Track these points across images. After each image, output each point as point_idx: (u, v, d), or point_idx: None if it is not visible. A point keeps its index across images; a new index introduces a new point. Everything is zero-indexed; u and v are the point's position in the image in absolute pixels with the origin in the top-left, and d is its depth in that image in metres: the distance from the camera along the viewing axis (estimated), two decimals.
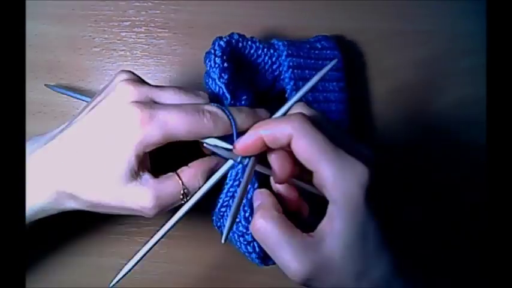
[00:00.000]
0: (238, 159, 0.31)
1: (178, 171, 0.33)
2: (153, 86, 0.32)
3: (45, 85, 0.43)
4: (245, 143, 0.30)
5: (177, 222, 0.31)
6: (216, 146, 0.31)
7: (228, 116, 0.31)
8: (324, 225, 0.27)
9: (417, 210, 0.47)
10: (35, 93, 0.44)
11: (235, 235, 0.35)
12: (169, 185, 0.32)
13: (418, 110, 0.47)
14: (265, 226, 0.28)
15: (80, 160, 0.30)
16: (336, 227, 0.26)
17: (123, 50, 0.46)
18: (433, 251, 0.47)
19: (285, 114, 0.31)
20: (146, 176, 0.31)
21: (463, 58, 0.48)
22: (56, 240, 0.43)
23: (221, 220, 0.37)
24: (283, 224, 0.28)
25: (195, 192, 0.32)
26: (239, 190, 0.28)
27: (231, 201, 0.35)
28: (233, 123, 0.31)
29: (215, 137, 0.32)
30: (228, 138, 0.32)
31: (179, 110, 0.30)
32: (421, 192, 0.47)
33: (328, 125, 0.29)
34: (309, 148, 0.26)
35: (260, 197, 0.31)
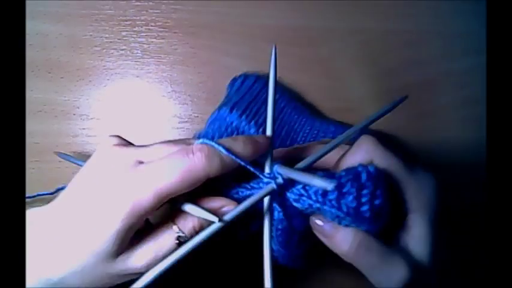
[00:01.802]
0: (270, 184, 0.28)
1: (176, 218, 0.28)
2: (139, 146, 0.29)
3: (54, 152, 0.42)
4: None
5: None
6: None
7: (221, 150, 0.27)
8: (404, 234, 0.29)
9: None
10: (36, 92, 0.44)
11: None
12: (164, 236, 0.28)
13: (417, 109, 0.47)
14: (365, 245, 0.28)
15: (63, 241, 0.26)
16: (416, 233, 0.29)
17: (123, 49, 0.46)
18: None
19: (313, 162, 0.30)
20: (141, 237, 0.28)
21: (462, 58, 0.48)
22: None
23: None
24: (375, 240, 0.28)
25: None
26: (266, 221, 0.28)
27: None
28: (226, 152, 0.27)
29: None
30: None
31: (166, 159, 0.26)
32: None
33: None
34: (388, 168, 0.28)
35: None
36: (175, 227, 0.28)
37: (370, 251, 0.27)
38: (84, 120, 0.45)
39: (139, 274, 0.27)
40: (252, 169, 0.28)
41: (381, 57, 0.47)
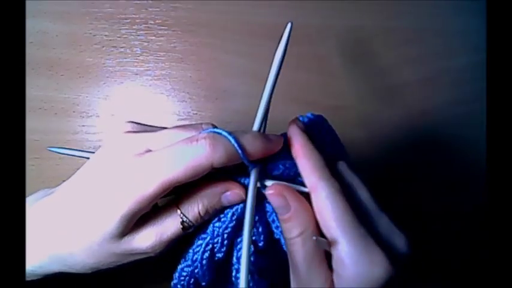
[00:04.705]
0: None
1: (180, 202, 0.29)
2: (151, 132, 0.29)
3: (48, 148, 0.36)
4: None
5: None
6: None
7: (229, 139, 0.26)
8: None
9: (416, 209, 0.47)
10: (36, 89, 0.45)
11: None
12: (169, 219, 0.28)
13: (416, 107, 0.47)
14: (299, 243, 0.26)
15: (72, 219, 0.27)
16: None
17: (123, 47, 0.46)
18: (432, 250, 0.47)
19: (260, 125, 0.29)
20: (145, 219, 0.28)
21: (460, 56, 0.48)
22: None
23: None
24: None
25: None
26: (248, 207, 0.25)
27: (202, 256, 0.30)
28: (234, 141, 0.26)
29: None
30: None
31: (170, 148, 0.26)
32: (420, 190, 0.47)
33: (364, 195, 0.28)
34: (328, 214, 0.25)
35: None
36: (179, 212, 0.28)
37: (301, 252, 0.25)
38: (83, 118, 0.45)
39: (145, 254, 0.28)
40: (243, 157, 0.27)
41: (378, 55, 0.47)
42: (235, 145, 0.26)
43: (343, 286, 0.24)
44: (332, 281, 0.25)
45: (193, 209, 0.28)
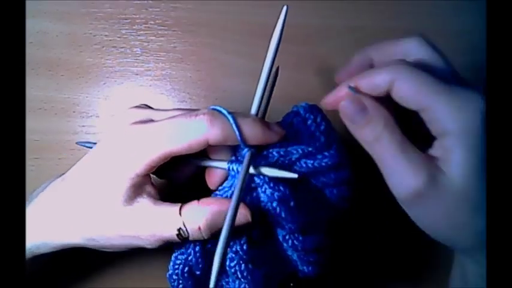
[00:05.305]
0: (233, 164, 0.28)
1: (185, 205, 0.28)
2: (156, 109, 0.31)
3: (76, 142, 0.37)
4: (336, 96, 0.29)
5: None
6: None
7: (229, 118, 0.26)
8: (440, 157, 0.26)
9: None
10: (36, 89, 0.45)
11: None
12: (167, 215, 0.27)
13: None
14: (386, 135, 0.26)
15: (79, 192, 0.29)
16: (456, 159, 0.25)
17: (123, 47, 0.46)
18: (432, 250, 0.47)
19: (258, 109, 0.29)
20: (144, 201, 0.28)
21: (461, 55, 0.48)
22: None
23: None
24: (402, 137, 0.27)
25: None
26: (234, 197, 0.24)
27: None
28: (232, 121, 0.26)
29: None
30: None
31: (170, 120, 0.27)
32: None
33: (440, 65, 0.29)
34: (416, 88, 0.25)
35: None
36: (179, 219, 0.27)
37: (392, 143, 0.26)
38: (83, 118, 0.45)
39: (141, 244, 0.28)
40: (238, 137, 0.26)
41: None
42: (233, 125, 0.26)
43: (453, 143, 0.25)
44: (432, 157, 0.26)
45: (195, 221, 0.27)
